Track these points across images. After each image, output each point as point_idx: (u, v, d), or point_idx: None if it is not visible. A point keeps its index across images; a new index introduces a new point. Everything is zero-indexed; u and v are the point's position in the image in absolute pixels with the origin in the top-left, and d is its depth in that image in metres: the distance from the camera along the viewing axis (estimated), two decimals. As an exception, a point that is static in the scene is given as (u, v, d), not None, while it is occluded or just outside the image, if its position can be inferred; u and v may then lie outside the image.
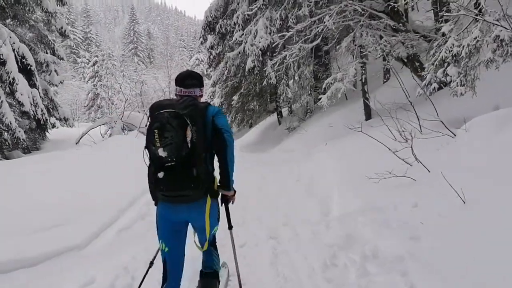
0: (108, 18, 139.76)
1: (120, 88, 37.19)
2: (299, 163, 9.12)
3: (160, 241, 2.66)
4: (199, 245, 2.78)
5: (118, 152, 8.24)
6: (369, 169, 5.93)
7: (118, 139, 10.48)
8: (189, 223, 2.72)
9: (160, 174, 2.36)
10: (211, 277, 2.90)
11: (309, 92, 15.61)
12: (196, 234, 2.80)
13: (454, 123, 5.65)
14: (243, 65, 16.60)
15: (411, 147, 5.02)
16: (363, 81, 11.00)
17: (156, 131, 2.26)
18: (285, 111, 21.16)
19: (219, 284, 2.94)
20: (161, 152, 2.28)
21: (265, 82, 15.45)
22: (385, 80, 14.15)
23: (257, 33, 15.05)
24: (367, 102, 11.29)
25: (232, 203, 2.93)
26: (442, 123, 5.24)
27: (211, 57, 20.85)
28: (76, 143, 13.61)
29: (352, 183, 5.67)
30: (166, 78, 44.73)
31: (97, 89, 37.34)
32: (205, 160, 2.54)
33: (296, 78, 15.28)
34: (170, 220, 2.62)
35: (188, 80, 2.73)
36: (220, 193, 2.79)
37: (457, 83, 6.81)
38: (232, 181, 2.76)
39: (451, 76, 6.98)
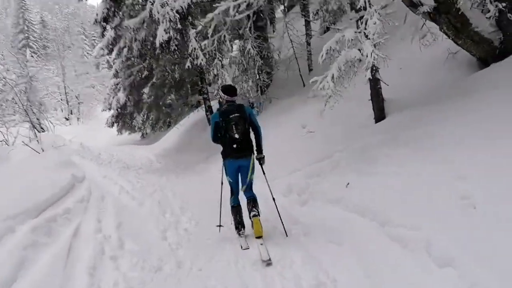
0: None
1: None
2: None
3: (228, 177, 4.75)
4: (242, 188, 4.79)
5: None
6: None
7: None
8: (241, 167, 4.70)
9: (235, 146, 4.53)
10: (254, 199, 4.71)
11: (257, 76, 10.31)
12: (241, 181, 4.78)
13: None
14: (151, 38, 10.82)
15: None
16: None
17: (233, 125, 4.45)
18: (215, 105, 15.64)
19: (257, 203, 4.75)
20: (236, 135, 4.48)
21: (188, 64, 9.88)
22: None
23: (170, -15, 9.40)
24: (379, 85, 6.28)
25: (263, 163, 4.92)
26: None
27: (105, 34, 14.64)
28: None
29: None
30: (60, 71, 36.79)
31: (-37, 88, 28.61)
32: (250, 136, 4.72)
33: (237, 55, 9.97)
34: (234, 167, 4.69)
35: (232, 92, 4.76)
36: (255, 156, 4.81)
37: None
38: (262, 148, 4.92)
39: None
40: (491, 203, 2.95)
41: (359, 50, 4.97)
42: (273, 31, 15.87)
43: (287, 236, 4.40)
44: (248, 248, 4.28)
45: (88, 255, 3.74)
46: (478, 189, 3.18)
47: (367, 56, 4.80)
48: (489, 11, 5.53)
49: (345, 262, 3.33)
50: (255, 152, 4.81)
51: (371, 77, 4.71)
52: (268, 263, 3.78)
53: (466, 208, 3.05)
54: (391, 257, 3.09)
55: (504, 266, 2.39)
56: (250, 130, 4.75)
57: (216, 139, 4.74)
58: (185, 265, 3.83)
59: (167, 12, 9.66)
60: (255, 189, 4.91)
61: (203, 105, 15.48)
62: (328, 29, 14.10)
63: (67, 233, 4.19)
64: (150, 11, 10.04)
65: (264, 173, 4.89)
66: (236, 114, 4.48)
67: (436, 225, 3.06)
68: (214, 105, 15.83)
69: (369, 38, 4.88)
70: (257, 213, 4.54)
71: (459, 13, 5.52)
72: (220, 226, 4.91)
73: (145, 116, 17.97)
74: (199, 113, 17.16)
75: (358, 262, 3.24)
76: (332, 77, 4.82)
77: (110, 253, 3.91)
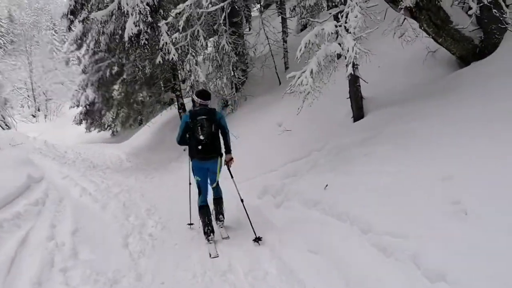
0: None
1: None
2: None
3: (196, 177, 4.76)
4: (211, 185, 4.85)
5: None
6: None
7: None
8: (209, 169, 4.77)
9: (200, 147, 4.57)
10: (220, 199, 4.88)
11: (232, 73, 9.92)
12: (209, 180, 4.83)
13: None
14: (120, 32, 10.28)
15: None
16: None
17: (199, 127, 4.50)
18: (188, 102, 15.16)
19: (223, 203, 4.91)
20: (201, 137, 4.51)
21: (159, 59, 9.42)
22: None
23: (140, -24, 8.92)
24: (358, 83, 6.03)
25: (230, 166, 4.87)
26: None
27: (72, 28, 13.94)
28: None
29: None
30: (27, 66, 35.35)
31: None
32: (218, 140, 4.74)
33: (211, 51, 9.57)
34: (202, 168, 4.74)
35: (205, 96, 4.78)
36: (224, 159, 4.82)
37: None
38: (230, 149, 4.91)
39: None
40: (483, 208, 2.68)
41: (340, 44, 4.68)
42: (249, 29, 15.52)
43: (259, 244, 4.17)
44: (218, 256, 3.94)
45: (34, 267, 3.27)
46: (467, 192, 2.91)
47: (348, 50, 4.51)
48: (470, 8, 5.35)
49: (324, 273, 2.99)
50: (223, 154, 4.87)
51: (352, 73, 4.37)
52: (226, 237, 4.59)
53: (456, 213, 2.77)
54: (374, 268, 2.77)
55: (505, 279, 2.11)
56: (220, 134, 4.83)
57: (182, 140, 4.82)
58: (145, 277, 3.41)
59: (137, 4, 9.18)
60: (226, 190, 4.99)
61: (176, 103, 14.97)
62: (305, 27, 13.85)
63: (13, 241, 3.69)
64: (119, 3, 9.53)
65: (232, 177, 4.85)
66: (203, 117, 4.56)
67: (424, 233, 2.77)
68: (187, 102, 15.36)
69: (350, 32, 4.60)
70: (222, 223, 4.83)
71: (440, 10, 5.35)
72: (190, 224, 5.12)
73: (115, 113, 17.31)
74: (172, 111, 16.64)
75: (339, 273, 2.92)
76: (311, 72, 4.50)
77: (60, 264, 3.44)
